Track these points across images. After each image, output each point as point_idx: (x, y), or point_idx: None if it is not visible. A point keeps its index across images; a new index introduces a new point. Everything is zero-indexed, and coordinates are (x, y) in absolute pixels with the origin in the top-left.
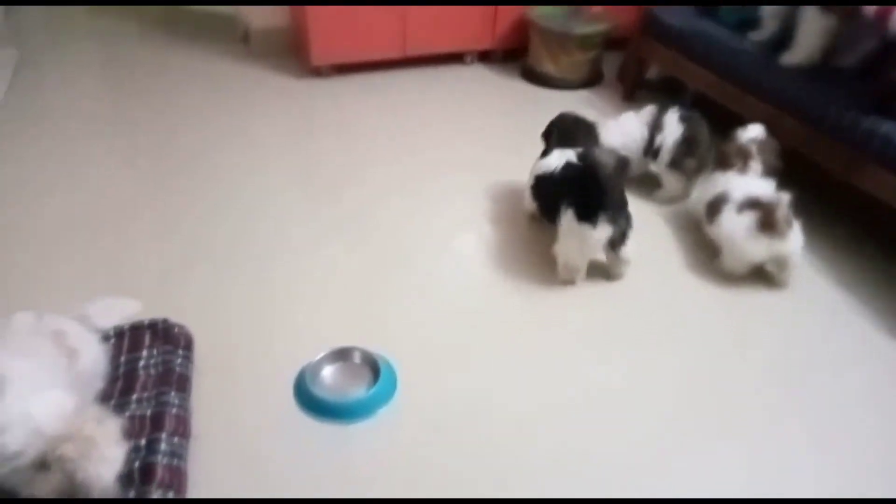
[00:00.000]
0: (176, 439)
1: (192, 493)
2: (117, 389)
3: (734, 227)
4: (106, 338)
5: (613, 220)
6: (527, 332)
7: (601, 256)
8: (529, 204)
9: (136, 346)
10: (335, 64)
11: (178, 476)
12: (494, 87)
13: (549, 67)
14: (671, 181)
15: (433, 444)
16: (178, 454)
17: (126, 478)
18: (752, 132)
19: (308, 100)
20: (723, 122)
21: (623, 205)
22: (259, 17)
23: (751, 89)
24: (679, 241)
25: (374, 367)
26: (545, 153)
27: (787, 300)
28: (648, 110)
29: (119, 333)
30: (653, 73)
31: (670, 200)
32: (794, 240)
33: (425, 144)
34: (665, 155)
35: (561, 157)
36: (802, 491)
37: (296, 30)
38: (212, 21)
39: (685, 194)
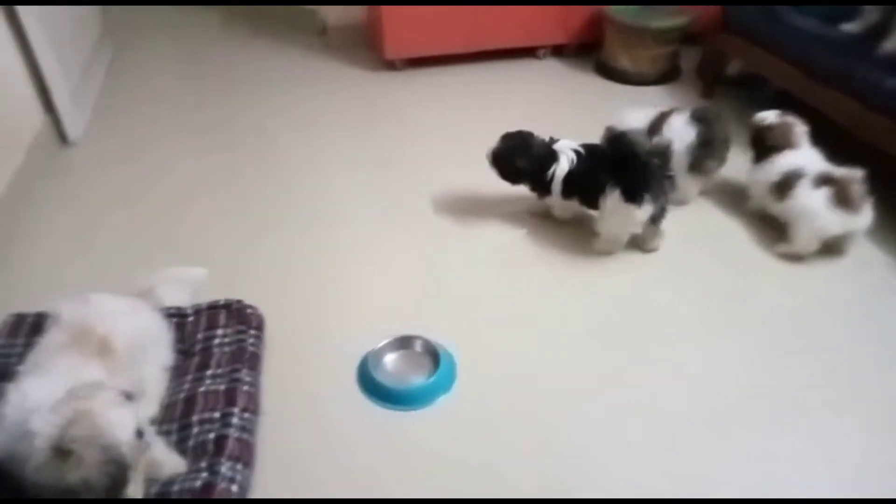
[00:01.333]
0: (247, 415)
1: (258, 467)
2: (194, 365)
3: (812, 202)
4: (183, 315)
5: (655, 199)
6: (591, 323)
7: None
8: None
9: (211, 325)
10: (408, 58)
11: (247, 449)
12: (567, 83)
13: (624, 62)
14: (689, 185)
15: (489, 433)
16: (248, 429)
17: (200, 447)
18: (774, 115)
19: (380, 92)
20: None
21: (662, 184)
22: (336, 13)
23: (839, 85)
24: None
25: (434, 356)
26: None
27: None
28: (652, 112)
29: (196, 312)
30: (733, 68)
31: (682, 203)
32: (866, 215)
33: (494, 137)
34: (681, 159)
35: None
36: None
37: (371, 25)
38: (291, 16)
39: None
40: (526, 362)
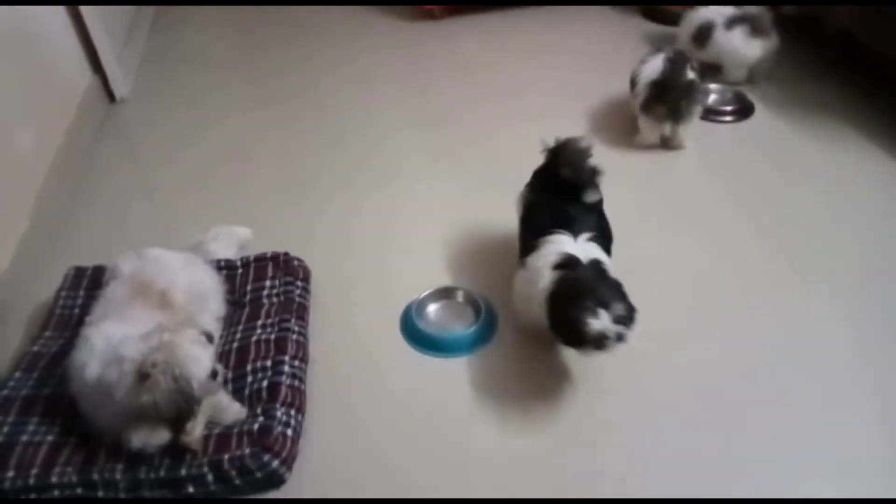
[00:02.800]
0: (297, 363)
1: (309, 413)
2: (244, 315)
3: (731, 40)
4: (233, 267)
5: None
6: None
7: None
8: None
9: (260, 277)
10: (447, 5)
11: (299, 396)
12: (613, 27)
13: (671, 6)
14: (641, 125)
15: (526, 382)
16: (298, 376)
17: (256, 394)
18: None
19: (422, 42)
20: (873, 70)
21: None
22: None
23: None
24: None
25: (475, 307)
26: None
27: None
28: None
29: (245, 264)
30: (789, 8)
31: (643, 145)
32: (775, 38)
33: (539, 85)
34: (638, 96)
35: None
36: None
37: None
38: None
39: (666, 143)
40: None
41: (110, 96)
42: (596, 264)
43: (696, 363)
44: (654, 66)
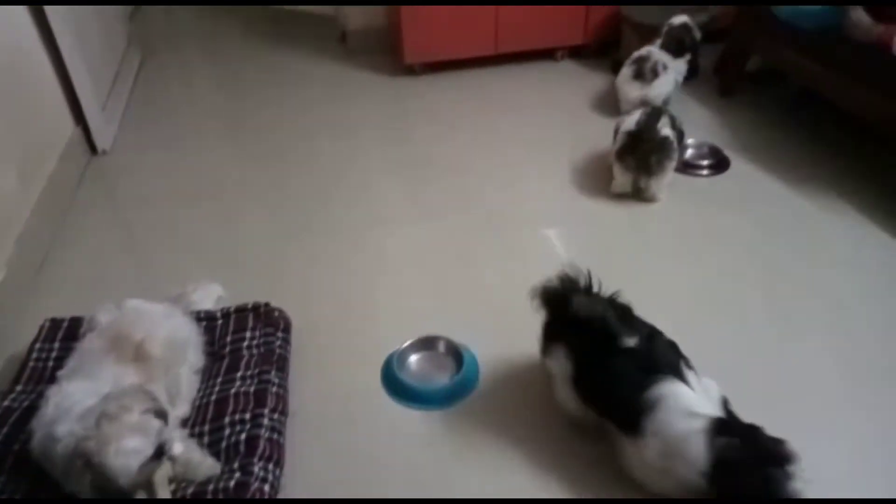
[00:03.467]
0: (276, 415)
1: (288, 468)
2: (224, 367)
3: (621, 76)
4: (213, 318)
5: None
6: None
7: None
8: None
9: (240, 328)
10: (428, 62)
11: (278, 450)
12: (584, 83)
13: None
14: (615, 172)
15: (509, 434)
16: (277, 430)
17: (233, 448)
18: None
19: (401, 96)
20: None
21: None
22: (356, 18)
23: (865, 81)
24: None
25: (457, 357)
26: None
27: None
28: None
29: (225, 315)
30: (752, 64)
31: (616, 192)
32: (658, 86)
33: (515, 138)
34: (615, 144)
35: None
36: None
37: (390, 30)
38: (311, 22)
39: (639, 194)
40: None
41: (92, 148)
42: (727, 405)
43: None
44: (633, 119)
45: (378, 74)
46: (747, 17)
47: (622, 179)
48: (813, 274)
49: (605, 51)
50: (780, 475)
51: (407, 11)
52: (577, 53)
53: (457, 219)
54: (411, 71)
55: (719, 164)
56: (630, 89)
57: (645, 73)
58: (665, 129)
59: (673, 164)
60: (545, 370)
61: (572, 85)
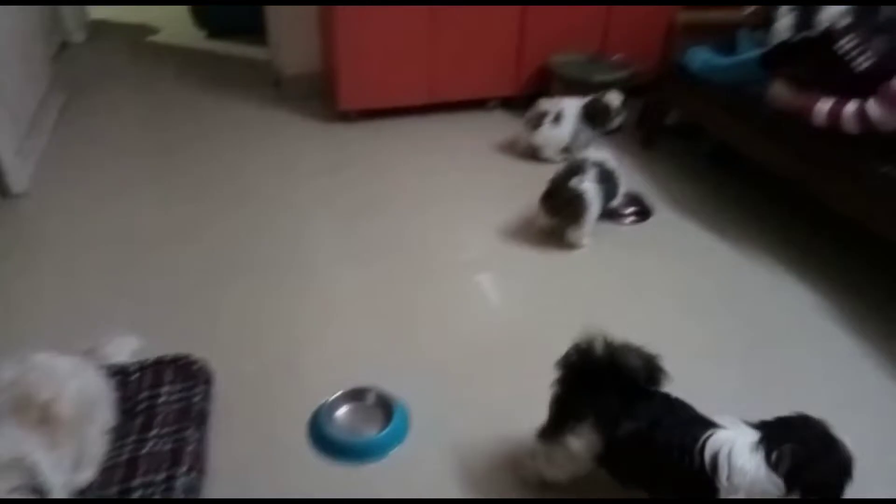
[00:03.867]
0: (193, 474)
1: None
2: (137, 426)
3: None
4: (126, 373)
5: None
6: (542, 373)
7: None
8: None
9: (157, 382)
10: (362, 109)
11: None
12: (514, 132)
13: None
14: (537, 211)
15: (444, 484)
16: (194, 489)
17: None
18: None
19: (336, 142)
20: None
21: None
22: (290, 63)
23: (773, 138)
24: None
25: (387, 408)
26: None
27: None
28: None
29: (141, 369)
30: (672, 118)
31: (536, 228)
32: (539, 135)
33: (448, 185)
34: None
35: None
36: None
37: (325, 76)
38: (246, 66)
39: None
40: (480, 413)
41: (4, 191)
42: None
43: None
44: (560, 167)
45: (313, 120)
46: (665, 73)
47: (541, 219)
48: (729, 314)
49: (534, 101)
50: (840, 450)
51: (343, 59)
52: (508, 104)
53: (389, 266)
54: (346, 117)
55: (643, 212)
56: (525, 135)
57: (534, 120)
58: (583, 184)
59: (588, 217)
60: (544, 454)
61: (504, 134)
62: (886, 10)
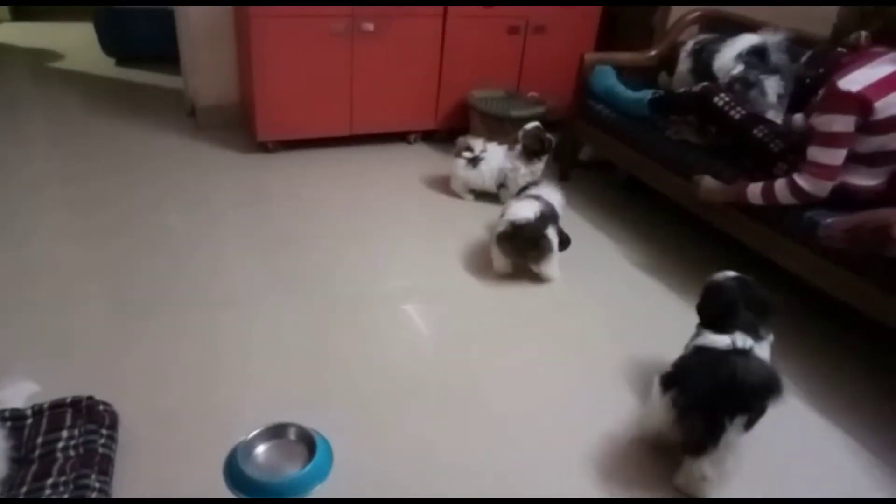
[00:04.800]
0: None
1: None
2: (31, 474)
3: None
4: (21, 418)
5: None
6: (470, 403)
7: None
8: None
9: (55, 427)
10: (282, 140)
11: None
12: (435, 165)
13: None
14: (493, 254)
15: None
16: None
17: None
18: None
19: (254, 172)
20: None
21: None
22: (206, 93)
23: (671, 168)
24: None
25: (309, 444)
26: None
27: None
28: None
29: (37, 413)
30: (585, 153)
31: (498, 274)
32: (456, 166)
33: (369, 217)
34: (498, 227)
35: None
36: None
37: (243, 106)
38: (158, 95)
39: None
40: (405, 445)
41: None
42: None
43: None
44: (520, 210)
45: (230, 150)
46: (576, 110)
47: (500, 262)
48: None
49: (456, 135)
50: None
51: (260, 88)
52: (429, 137)
53: (309, 298)
54: (264, 148)
55: (562, 242)
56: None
57: (457, 151)
58: (547, 229)
59: (553, 255)
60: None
61: (425, 166)
62: (774, 57)
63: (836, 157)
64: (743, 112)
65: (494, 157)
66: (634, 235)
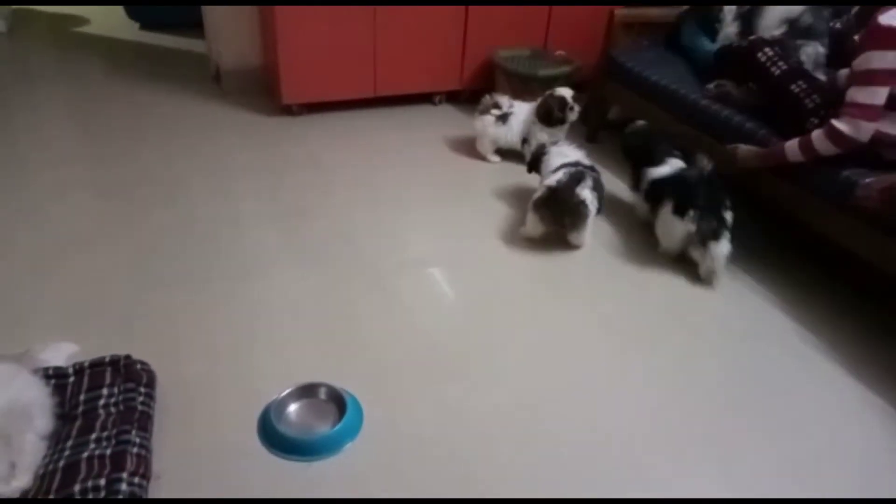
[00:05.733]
0: (136, 479)
1: None
2: (75, 429)
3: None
4: (64, 376)
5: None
6: (494, 365)
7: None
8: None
9: (96, 384)
10: (306, 103)
11: None
12: (460, 127)
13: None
14: (528, 219)
15: (398, 477)
16: (138, 495)
17: None
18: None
19: (279, 136)
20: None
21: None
22: (230, 56)
23: (705, 128)
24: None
25: (339, 403)
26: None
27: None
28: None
29: (78, 371)
30: (613, 113)
31: (525, 237)
32: (480, 123)
33: (395, 180)
34: (537, 191)
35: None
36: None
37: (267, 69)
38: (182, 60)
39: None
40: (434, 405)
41: None
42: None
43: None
44: (557, 175)
45: (255, 114)
46: (605, 69)
47: (533, 228)
48: (642, 299)
49: (480, 96)
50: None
51: (284, 51)
52: (454, 98)
53: (336, 262)
54: (289, 111)
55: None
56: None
57: (483, 109)
58: (584, 192)
59: (588, 221)
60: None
61: (450, 128)
62: (814, 21)
63: (876, 95)
64: (784, 68)
65: (522, 113)
66: None
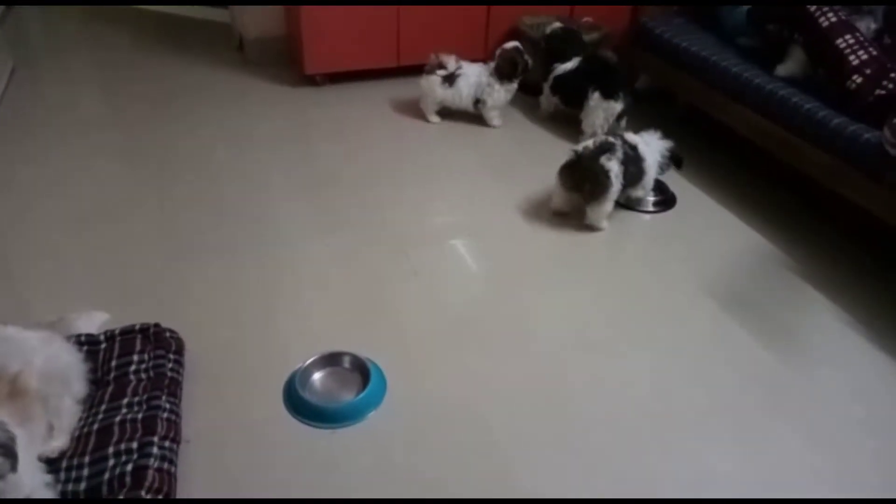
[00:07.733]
0: (167, 443)
1: (184, 497)
2: (108, 394)
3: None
4: (96, 342)
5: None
6: (518, 337)
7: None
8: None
9: (127, 351)
10: (329, 72)
11: (168, 480)
12: None
13: (539, 76)
14: (555, 185)
15: (422, 445)
16: (168, 458)
17: (119, 480)
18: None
19: (303, 107)
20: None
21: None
22: (254, 26)
23: (738, 98)
24: None
25: (363, 371)
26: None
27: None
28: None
29: (110, 338)
30: (642, 82)
31: (551, 208)
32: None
33: (420, 151)
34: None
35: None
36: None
37: (290, 39)
38: (206, 30)
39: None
40: (458, 375)
41: None
42: None
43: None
44: (586, 141)
45: (278, 84)
46: (633, 38)
47: (559, 198)
48: (668, 273)
49: None
50: None
51: (307, 20)
52: None
53: (361, 233)
54: (312, 81)
55: (666, 201)
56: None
57: (429, 69)
58: (609, 163)
59: (608, 196)
60: None
61: None
62: None
63: None
64: (834, 20)
65: (471, 74)
66: (693, 170)
